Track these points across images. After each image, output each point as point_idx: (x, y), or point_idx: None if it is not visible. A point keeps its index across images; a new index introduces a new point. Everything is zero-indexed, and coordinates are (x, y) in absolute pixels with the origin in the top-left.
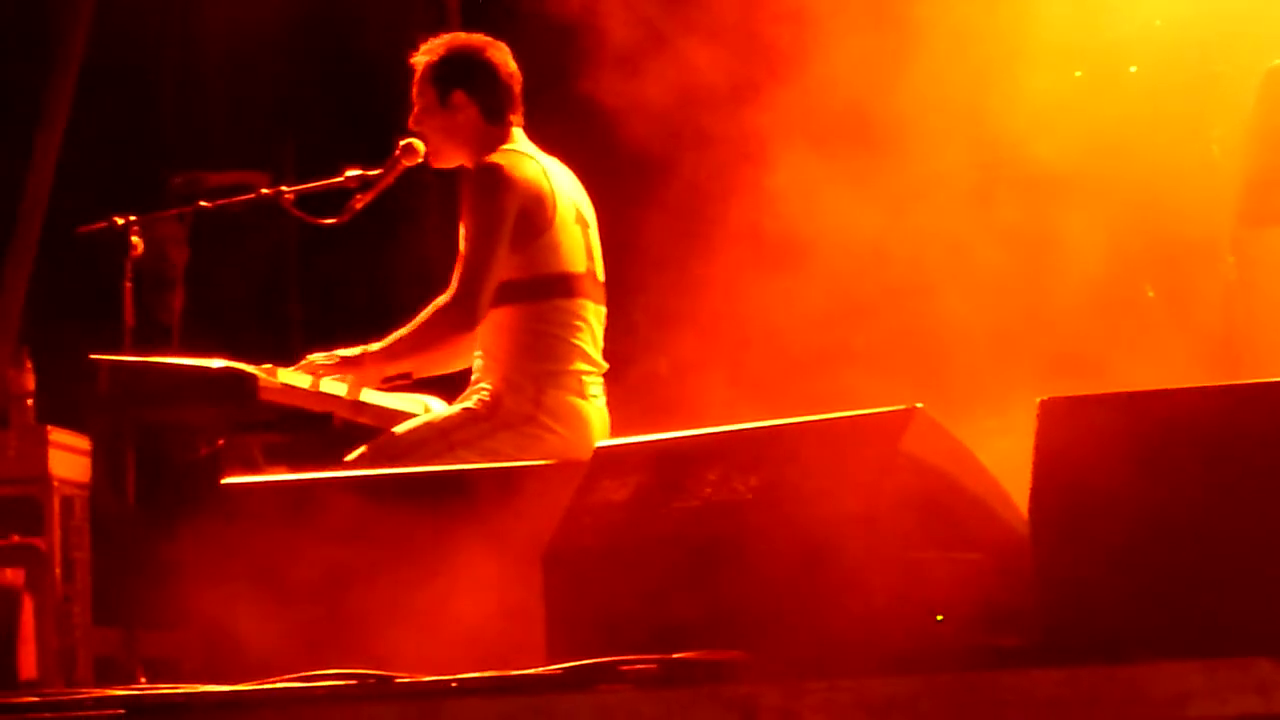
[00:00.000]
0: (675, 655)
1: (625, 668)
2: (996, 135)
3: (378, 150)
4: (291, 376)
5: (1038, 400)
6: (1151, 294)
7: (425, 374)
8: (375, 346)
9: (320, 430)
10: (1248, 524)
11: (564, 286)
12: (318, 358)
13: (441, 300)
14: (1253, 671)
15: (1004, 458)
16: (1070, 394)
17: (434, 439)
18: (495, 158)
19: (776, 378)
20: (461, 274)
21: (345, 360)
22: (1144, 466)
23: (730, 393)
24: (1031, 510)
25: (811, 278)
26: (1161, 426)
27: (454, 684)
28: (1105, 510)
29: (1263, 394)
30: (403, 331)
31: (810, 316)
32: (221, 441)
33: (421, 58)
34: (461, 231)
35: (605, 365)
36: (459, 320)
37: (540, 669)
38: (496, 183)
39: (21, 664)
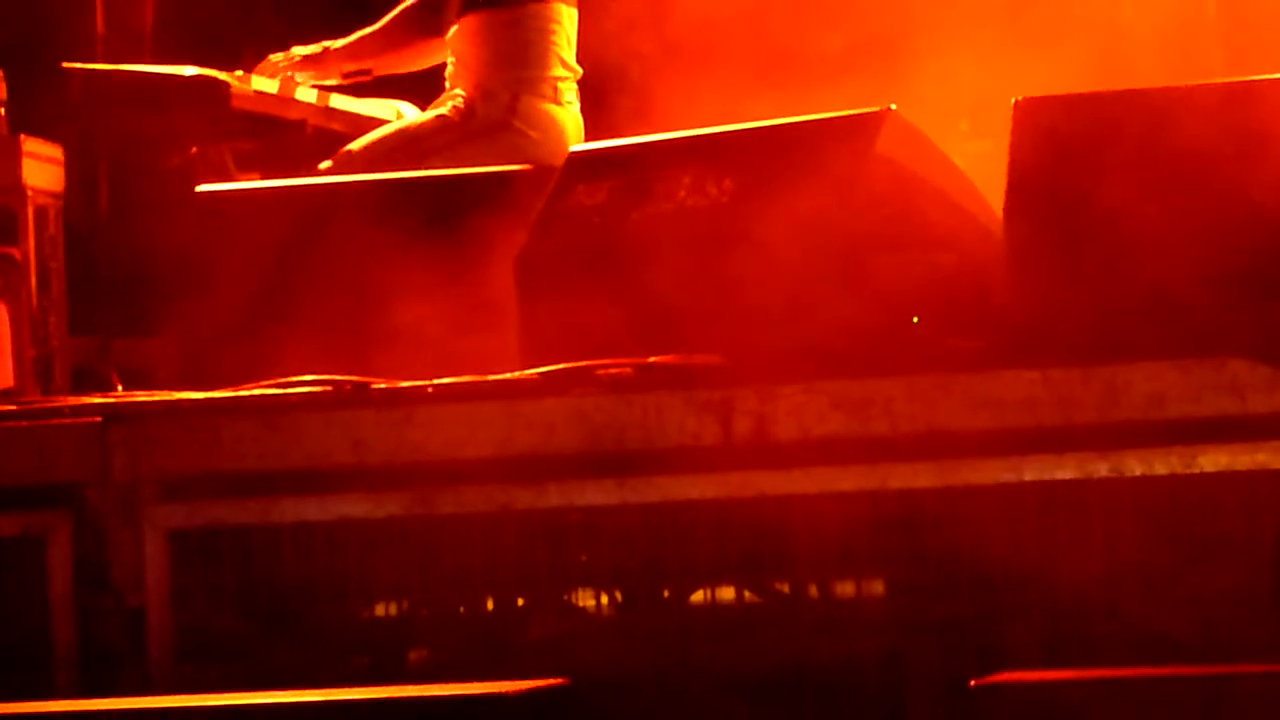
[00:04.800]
0: (650, 359)
1: (600, 372)
2: None
3: None
4: (263, 83)
5: (1012, 100)
6: None
7: (386, 72)
8: (338, 44)
9: (292, 137)
10: (1224, 223)
11: None
12: (276, 57)
13: (409, 2)
14: (1226, 371)
15: (978, 160)
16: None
17: (407, 146)
18: None
19: (749, 81)
20: None
21: (306, 58)
22: (1118, 166)
23: (703, 96)
24: (1006, 211)
25: None
26: (1137, 125)
27: (430, 389)
28: (1080, 211)
29: (1243, 91)
30: (367, 31)
31: (782, 19)
32: (194, 149)
33: None
34: None
35: (579, 70)
36: (427, 24)
37: (515, 374)
38: None
39: None
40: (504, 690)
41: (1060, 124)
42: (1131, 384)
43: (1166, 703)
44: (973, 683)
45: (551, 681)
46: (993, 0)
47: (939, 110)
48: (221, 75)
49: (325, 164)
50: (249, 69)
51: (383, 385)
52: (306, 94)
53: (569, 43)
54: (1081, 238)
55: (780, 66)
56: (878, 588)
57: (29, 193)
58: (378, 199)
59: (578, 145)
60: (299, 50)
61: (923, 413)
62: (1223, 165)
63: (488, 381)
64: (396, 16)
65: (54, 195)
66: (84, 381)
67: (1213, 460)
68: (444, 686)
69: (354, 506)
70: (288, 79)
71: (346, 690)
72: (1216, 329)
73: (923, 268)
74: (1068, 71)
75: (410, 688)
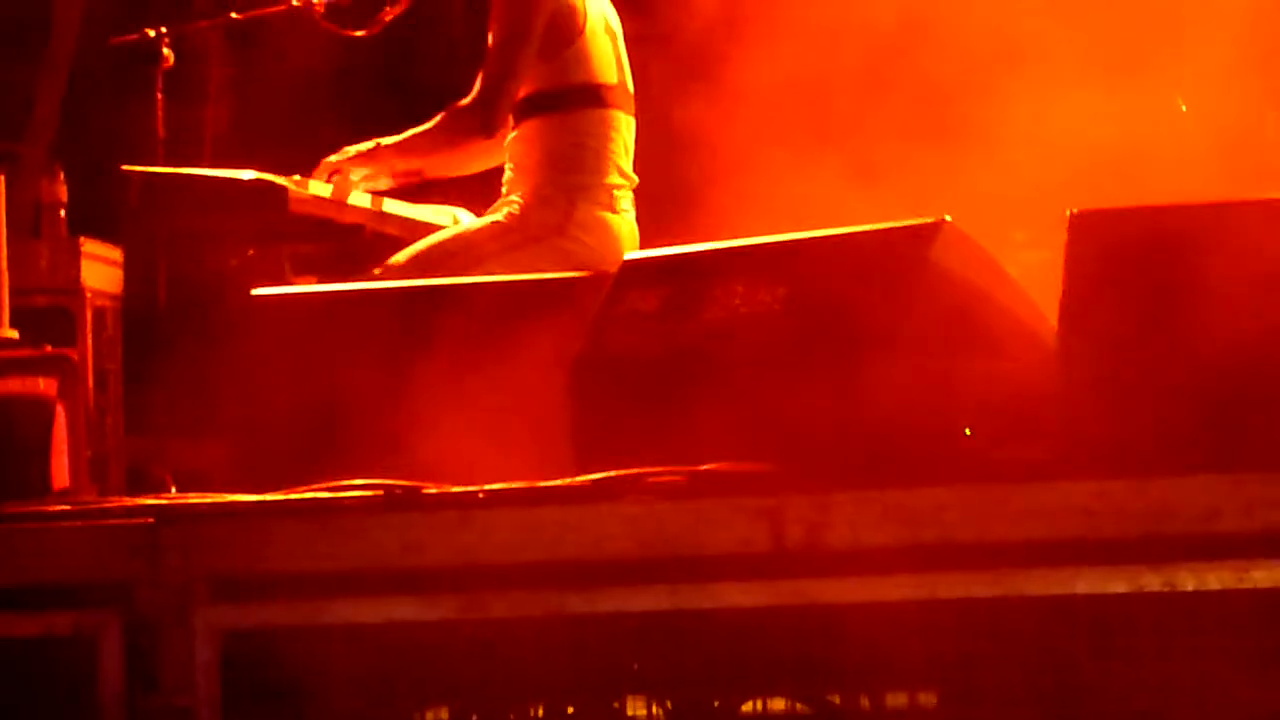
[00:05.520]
0: (702, 467)
1: (652, 479)
2: None
3: None
4: (320, 188)
5: (1068, 212)
6: (1184, 108)
7: (437, 175)
8: (389, 140)
9: (349, 242)
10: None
11: (595, 97)
12: (331, 158)
13: (462, 103)
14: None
15: (1034, 270)
16: (1102, 206)
17: (462, 251)
18: None
19: (805, 189)
20: (484, 79)
21: (358, 155)
22: (1174, 280)
23: (761, 200)
24: (1061, 323)
25: (840, 85)
26: (1193, 239)
27: (481, 495)
28: (1135, 323)
29: None
30: (419, 129)
31: (838, 125)
32: (251, 252)
33: None
34: (489, 38)
35: (635, 179)
36: (477, 124)
37: (567, 480)
38: None
39: (54, 474)
40: None
41: (1116, 237)
42: (1185, 497)
43: None
44: None
45: None
46: (1056, 108)
47: (996, 219)
48: (279, 180)
49: (380, 269)
50: (306, 170)
51: (434, 490)
52: (362, 199)
53: (626, 150)
54: (1135, 350)
55: (837, 174)
56: (930, 699)
57: (88, 294)
58: (432, 304)
59: (632, 253)
60: (351, 148)
61: (975, 523)
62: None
63: (539, 487)
64: (447, 115)
65: (113, 297)
66: (138, 482)
67: (1266, 575)
68: None
69: (405, 610)
70: (343, 180)
71: None
72: (1271, 443)
73: (976, 378)
74: (1130, 188)
75: None
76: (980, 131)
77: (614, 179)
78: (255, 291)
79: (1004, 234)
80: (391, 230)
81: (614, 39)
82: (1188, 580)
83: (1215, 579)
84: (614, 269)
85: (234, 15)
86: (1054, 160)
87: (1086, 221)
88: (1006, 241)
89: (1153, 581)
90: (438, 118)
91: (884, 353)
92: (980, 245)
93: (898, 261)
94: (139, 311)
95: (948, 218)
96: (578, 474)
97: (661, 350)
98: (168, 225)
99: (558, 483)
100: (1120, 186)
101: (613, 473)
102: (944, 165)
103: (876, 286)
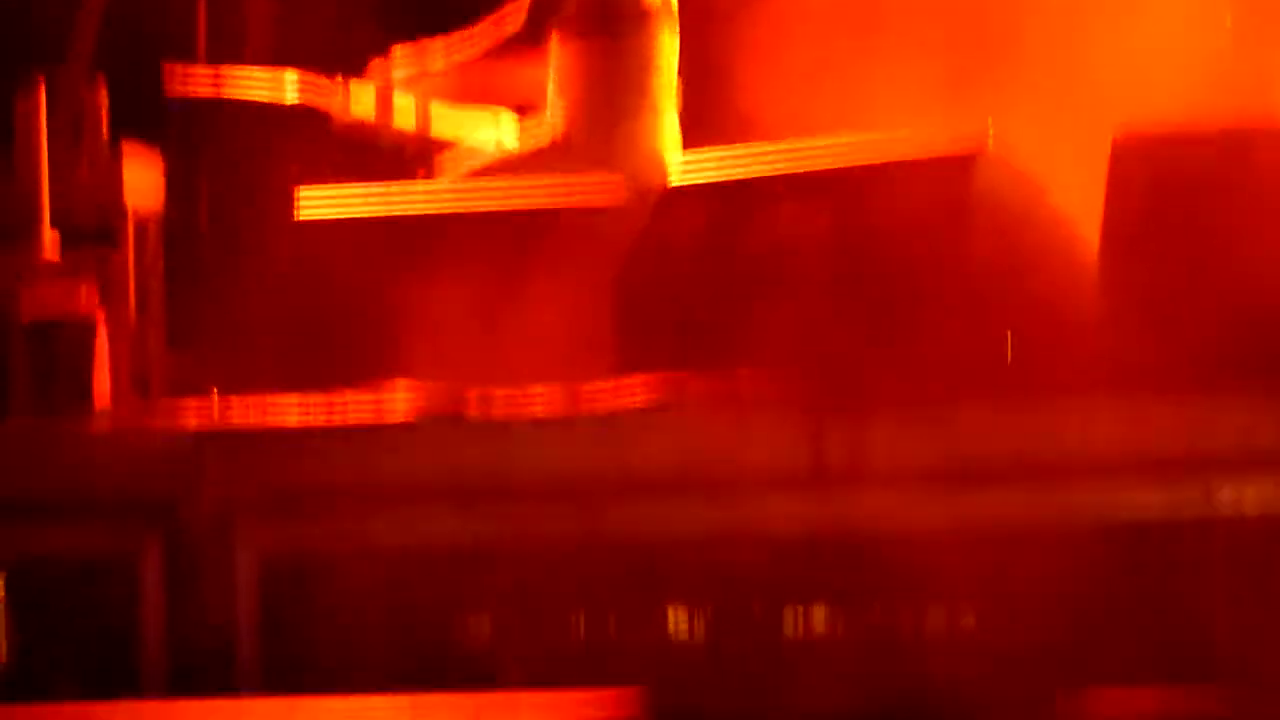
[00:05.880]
0: (743, 384)
1: (694, 396)
2: None
3: None
4: (363, 104)
5: (1111, 137)
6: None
7: (489, 101)
8: (437, 60)
9: (392, 156)
10: None
11: (638, 17)
12: (378, 64)
13: (509, 18)
14: None
15: (1077, 193)
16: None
17: (505, 171)
18: None
19: (852, 95)
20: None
21: (409, 78)
22: (1214, 202)
23: (805, 112)
24: (1101, 244)
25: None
26: (1236, 163)
27: (523, 410)
28: (1175, 245)
29: None
30: (466, 54)
31: (889, 43)
32: (295, 168)
33: None
34: None
35: (678, 98)
36: (525, 41)
37: (609, 396)
38: None
39: (95, 389)
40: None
41: (1158, 160)
42: (1223, 414)
43: None
44: (1059, 709)
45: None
46: (1101, 30)
47: (1038, 141)
48: (321, 100)
49: (424, 186)
50: (350, 71)
51: (475, 405)
52: (405, 118)
53: (669, 70)
54: (1176, 272)
55: (885, 81)
56: (967, 615)
57: (129, 205)
58: (476, 225)
59: (675, 174)
60: (399, 71)
61: (1014, 441)
62: None
63: (581, 403)
64: (496, 43)
65: (154, 210)
66: (180, 397)
67: None
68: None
69: (446, 524)
70: (386, 99)
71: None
72: None
73: (1016, 300)
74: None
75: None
76: (1024, 53)
77: (656, 99)
78: (297, 210)
79: (1047, 156)
80: (435, 143)
81: None
82: (1226, 495)
83: (1254, 495)
84: (657, 191)
85: None
86: (1098, 82)
87: (1129, 144)
88: (1049, 163)
89: (1191, 497)
90: (486, 44)
91: (924, 274)
92: (1019, 168)
93: (940, 188)
94: (181, 229)
95: (989, 132)
96: (619, 390)
97: (702, 272)
98: (210, 148)
99: (599, 398)
100: (1164, 109)
101: (653, 389)
102: (987, 86)
103: (918, 212)
